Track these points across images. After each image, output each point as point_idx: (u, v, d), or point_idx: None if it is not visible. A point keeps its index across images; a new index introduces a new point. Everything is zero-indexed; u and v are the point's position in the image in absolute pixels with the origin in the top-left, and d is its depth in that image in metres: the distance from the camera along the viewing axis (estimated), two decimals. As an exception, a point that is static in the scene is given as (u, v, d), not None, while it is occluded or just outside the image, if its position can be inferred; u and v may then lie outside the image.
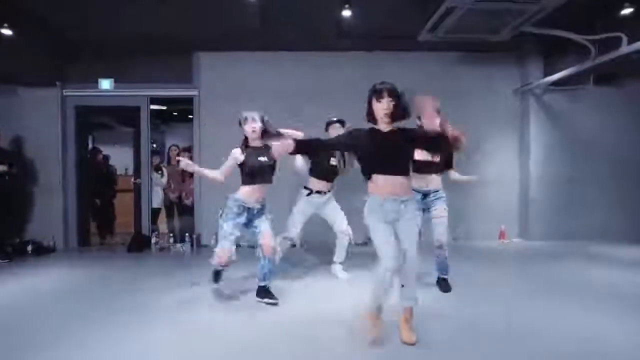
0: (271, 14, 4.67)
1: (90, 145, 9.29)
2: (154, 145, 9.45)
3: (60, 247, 5.77)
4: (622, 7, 3.93)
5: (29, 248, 5.42)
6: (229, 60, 6.00)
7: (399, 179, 2.49)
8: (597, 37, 4.40)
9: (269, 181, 3.30)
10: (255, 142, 3.31)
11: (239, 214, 3.23)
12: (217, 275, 3.53)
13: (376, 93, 2.50)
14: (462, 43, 5.38)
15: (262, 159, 3.24)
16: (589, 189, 6.09)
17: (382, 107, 2.48)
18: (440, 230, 3.42)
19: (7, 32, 4.54)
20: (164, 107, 8.43)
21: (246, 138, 3.32)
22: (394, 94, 2.50)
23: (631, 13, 3.96)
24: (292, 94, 5.97)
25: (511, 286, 3.76)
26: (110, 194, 6.61)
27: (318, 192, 3.90)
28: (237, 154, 3.25)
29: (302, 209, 3.91)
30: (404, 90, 2.56)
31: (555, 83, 5.69)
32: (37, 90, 5.69)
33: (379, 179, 2.48)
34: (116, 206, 6.76)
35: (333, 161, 3.90)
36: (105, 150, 8.26)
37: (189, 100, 6.14)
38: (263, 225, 3.28)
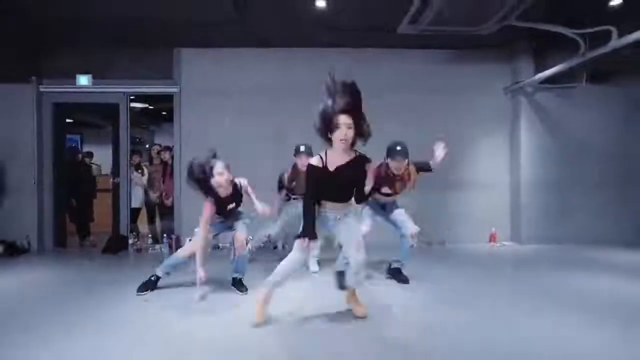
0: (250, 7, 4.50)
1: (78, 144, 9.33)
2: (147, 146, 9.34)
3: (34, 248, 5.60)
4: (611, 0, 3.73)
5: (0, 248, 5.25)
6: (210, 57, 5.84)
7: (341, 204, 2.66)
8: (586, 30, 4.20)
9: (235, 214, 3.49)
10: (223, 192, 3.32)
11: (214, 226, 3.48)
12: (148, 283, 3.49)
13: (334, 113, 2.45)
14: (450, 40, 5.19)
15: (230, 205, 3.39)
16: (582, 192, 5.87)
17: (340, 135, 2.44)
18: (409, 223, 3.61)
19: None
20: (150, 106, 8.28)
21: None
22: (355, 110, 2.44)
23: (620, 5, 3.76)
24: (273, 90, 5.82)
25: (496, 291, 3.55)
26: (89, 194, 6.42)
27: (295, 198, 4.18)
28: (211, 208, 3.29)
29: (283, 210, 4.27)
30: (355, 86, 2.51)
31: (547, 81, 5.49)
32: (11, 85, 5.53)
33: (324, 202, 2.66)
34: (101, 207, 6.58)
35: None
36: (93, 149, 8.18)
37: (172, 98, 5.98)
38: (239, 226, 3.45)
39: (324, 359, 2.26)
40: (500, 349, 2.34)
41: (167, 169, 6.09)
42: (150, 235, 5.87)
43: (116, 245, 5.54)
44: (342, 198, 2.62)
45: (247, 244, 3.45)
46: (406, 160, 3.48)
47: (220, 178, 3.23)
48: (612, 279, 3.91)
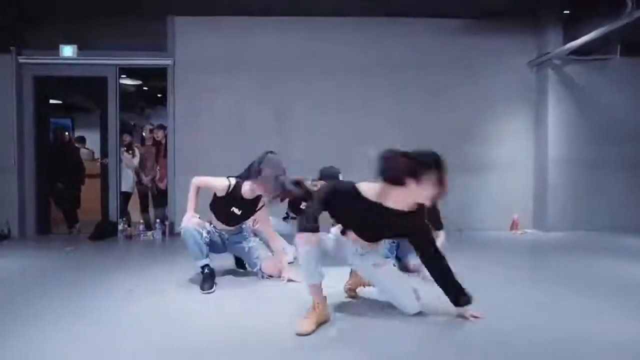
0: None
1: (71, 129, 8.85)
2: (142, 128, 8.84)
3: (15, 234, 5.12)
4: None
5: (-24, 234, 4.79)
6: (207, 26, 5.33)
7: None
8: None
9: (234, 225, 3.05)
10: (248, 194, 2.91)
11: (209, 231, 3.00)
12: (205, 280, 2.80)
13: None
14: (468, 6, 4.70)
15: (236, 210, 2.92)
16: (614, 174, 5.37)
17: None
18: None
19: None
20: (143, 86, 7.77)
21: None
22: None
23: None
24: (275, 66, 5.34)
25: (516, 286, 3.05)
26: (77, 178, 5.92)
27: (294, 218, 3.72)
28: (223, 186, 2.89)
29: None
30: None
31: (577, 52, 4.98)
32: (-14, 56, 5.04)
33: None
34: (91, 192, 6.09)
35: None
36: (84, 134, 7.70)
37: (163, 74, 5.47)
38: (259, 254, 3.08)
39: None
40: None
41: (160, 149, 5.60)
42: (142, 222, 5.38)
43: (104, 232, 5.07)
44: (377, 239, 2.30)
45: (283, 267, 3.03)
46: None
47: (254, 187, 2.86)
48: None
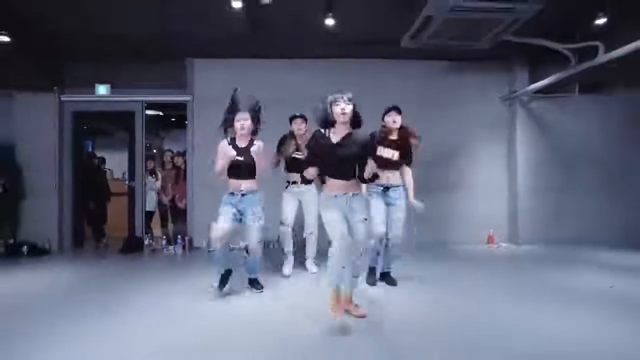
0: (260, 21, 4.82)
1: (89, 150, 9.63)
2: (155, 151, 9.63)
3: (54, 249, 5.89)
4: (597, 17, 4.04)
5: (24, 249, 5.55)
6: (222, 67, 6.14)
7: (346, 182, 2.83)
8: (576, 45, 4.51)
9: (248, 177, 3.48)
10: (241, 140, 3.52)
11: (225, 201, 3.48)
12: (222, 280, 3.51)
13: (335, 100, 2.79)
14: (450, 51, 5.52)
15: (240, 158, 3.43)
16: (576, 195, 6.17)
17: (338, 109, 2.74)
18: (397, 226, 3.62)
19: (3, 38, 4.70)
20: (161, 113, 8.58)
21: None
22: (351, 100, 2.79)
23: (605, 23, 4.07)
24: (284, 101, 6.08)
25: (492, 290, 3.81)
26: (104, 197, 6.72)
27: (294, 182, 4.26)
28: (224, 143, 3.50)
29: (284, 200, 4.32)
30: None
31: (541, 91, 5.79)
32: (34, 95, 5.85)
33: (331, 181, 2.86)
34: (114, 210, 6.88)
35: (297, 154, 4.23)
36: (104, 154, 8.47)
37: (182, 106, 6.29)
38: (251, 229, 3.45)
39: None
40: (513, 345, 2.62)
41: (180, 174, 6.39)
42: (164, 237, 6.15)
43: (132, 246, 5.83)
44: (345, 174, 2.81)
45: (261, 248, 3.53)
46: (400, 117, 3.66)
47: (243, 122, 3.44)
48: (609, 277, 4.18)
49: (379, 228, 3.53)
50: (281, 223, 4.29)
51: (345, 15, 4.47)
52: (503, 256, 5.52)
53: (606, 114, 6.22)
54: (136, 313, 3.13)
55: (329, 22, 4.27)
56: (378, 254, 3.72)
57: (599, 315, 3.01)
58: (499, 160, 6.43)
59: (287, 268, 4.31)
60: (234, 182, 3.50)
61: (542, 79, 5.54)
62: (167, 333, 2.72)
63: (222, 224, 3.35)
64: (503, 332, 2.70)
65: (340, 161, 2.79)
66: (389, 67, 6.17)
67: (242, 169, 3.45)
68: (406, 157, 3.70)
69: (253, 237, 3.46)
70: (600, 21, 4.04)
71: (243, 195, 3.47)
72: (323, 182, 2.89)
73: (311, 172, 2.86)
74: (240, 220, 3.48)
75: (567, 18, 4.50)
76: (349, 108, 2.76)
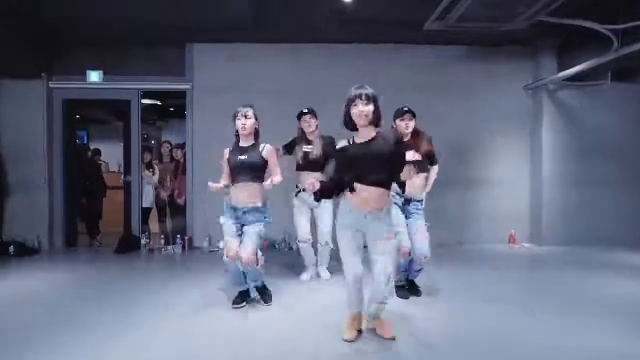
0: (266, 2, 4.36)
1: (84, 140, 9.20)
2: (153, 142, 9.22)
3: (45, 247, 5.49)
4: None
5: (11, 248, 5.14)
6: (224, 53, 5.69)
7: (375, 191, 2.39)
8: (620, 26, 4.05)
9: (251, 180, 3.04)
10: (243, 141, 3.14)
11: (229, 214, 3.12)
12: (239, 296, 3.17)
13: (351, 99, 2.40)
14: (470, 36, 5.05)
15: (242, 157, 3.05)
16: (605, 193, 5.72)
17: (357, 110, 2.37)
18: (423, 244, 3.19)
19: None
20: (159, 102, 8.12)
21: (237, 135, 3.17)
22: (371, 99, 2.39)
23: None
24: (288, 87, 5.66)
25: (515, 297, 3.42)
26: (99, 192, 6.30)
27: (304, 190, 3.76)
28: (225, 153, 3.16)
29: (296, 208, 3.93)
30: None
31: (570, 79, 5.34)
32: (20, 82, 5.40)
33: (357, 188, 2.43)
34: (109, 204, 6.48)
35: (307, 148, 3.89)
36: (99, 145, 8.05)
37: (181, 94, 5.85)
38: (247, 237, 3.03)
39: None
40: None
41: (179, 167, 5.97)
42: (162, 236, 5.75)
43: (128, 245, 5.44)
44: (375, 177, 2.37)
45: (257, 261, 3.04)
46: (413, 122, 3.25)
47: (244, 121, 3.05)
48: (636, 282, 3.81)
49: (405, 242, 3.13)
50: (299, 241, 3.93)
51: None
52: (527, 258, 5.12)
53: (640, 105, 5.76)
54: (131, 323, 2.79)
55: (348, -1, 3.78)
56: (405, 270, 3.33)
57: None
58: (521, 154, 5.98)
59: (307, 275, 4.00)
60: (236, 191, 3.06)
61: (570, 65, 5.08)
62: (167, 346, 2.34)
63: (233, 242, 3.02)
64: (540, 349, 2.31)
65: (370, 160, 2.37)
66: (401, 53, 5.70)
67: (245, 170, 3.03)
68: (426, 164, 3.34)
69: (247, 246, 2.97)
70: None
71: (245, 212, 3.04)
72: (352, 190, 2.42)
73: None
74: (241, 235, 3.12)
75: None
76: (368, 109, 2.36)
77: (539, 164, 5.80)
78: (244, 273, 3.12)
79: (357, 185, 2.37)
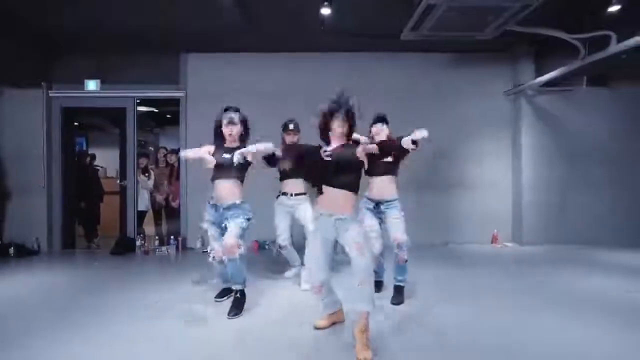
0: (256, 13, 4.60)
1: (83, 146, 9.43)
2: (151, 148, 9.42)
3: (44, 249, 5.70)
4: (610, 4, 3.81)
5: (11, 250, 5.35)
6: (216, 62, 5.94)
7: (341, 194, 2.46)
8: (586, 35, 4.29)
9: (232, 179, 3.12)
10: (230, 142, 3.24)
11: (211, 217, 3.21)
12: (223, 291, 3.40)
13: (330, 113, 2.51)
14: (451, 44, 5.29)
15: (226, 155, 3.09)
16: (583, 193, 5.94)
17: (337, 126, 2.50)
18: (398, 228, 3.21)
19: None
20: (155, 110, 8.36)
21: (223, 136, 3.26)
22: (349, 114, 2.50)
23: (619, 11, 3.84)
24: (279, 95, 5.91)
25: (499, 294, 3.62)
26: (97, 196, 6.52)
27: (284, 193, 3.93)
28: (210, 148, 3.21)
29: (277, 213, 3.98)
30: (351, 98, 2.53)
31: (547, 84, 5.56)
32: (21, 90, 5.65)
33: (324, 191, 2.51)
34: (107, 209, 6.68)
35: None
36: (98, 151, 8.26)
37: (176, 102, 6.08)
38: (229, 227, 3.06)
39: None
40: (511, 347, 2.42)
41: (173, 172, 6.19)
42: (157, 238, 5.96)
43: (124, 247, 5.64)
44: (341, 183, 2.46)
45: (237, 249, 3.01)
46: (385, 127, 3.30)
47: (231, 129, 3.10)
48: (615, 279, 3.98)
49: (375, 245, 3.22)
50: (280, 247, 4.01)
51: (342, 6, 4.24)
52: (510, 257, 5.31)
53: (615, 108, 5.98)
54: (125, 320, 2.96)
55: (325, 11, 4.03)
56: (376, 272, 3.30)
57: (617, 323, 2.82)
58: (502, 157, 6.20)
59: (291, 272, 4.17)
60: (217, 188, 3.14)
61: (548, 71, 5.31)
62: (159, 345, 2.53)
63: (216, 246, 3.18)
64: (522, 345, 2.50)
65: (336, 164, 2.44)
66: (386, 60, 5.95)
67: (228, 169, 3.09)
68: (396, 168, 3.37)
69: (228, 234, 2.99)
70: (613, 8, 3.80)
71: (225, 208, 3.11)
72: (320, 192, 2.55)
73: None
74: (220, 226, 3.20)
75: (577, 6, 4.27)
76: (346, 127, 2.51)
77: (519, 167, 6.02)
78: (227, 272, 3.24)
79: (324, 188, 2.48)
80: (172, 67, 5.99)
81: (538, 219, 5.91)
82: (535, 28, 4.34)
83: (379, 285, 3.56)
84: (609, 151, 5.95)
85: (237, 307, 3.07)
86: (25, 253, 5.44)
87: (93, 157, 7.51)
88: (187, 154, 3.26)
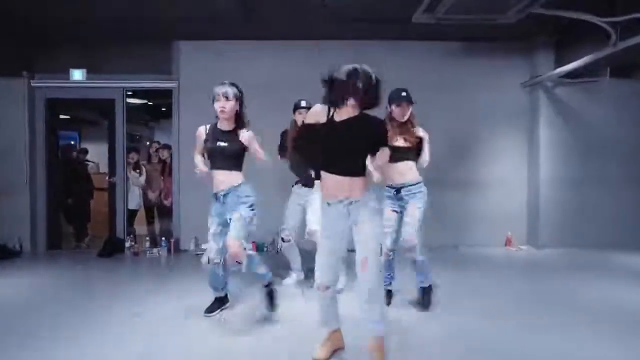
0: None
1: (76, 142, 9.08)
2: (148, 143, 9.06)
3: (27, 249, 5.34)
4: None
5: (-10, 251, 5.00)
6: (211, 50, 5.54)
7: (348, 180, 2.11)
8: (618, 19, 3.87)
9: (229, 168, 2.83)
10: (224, 124, 2.87)
11: (211, 211, 2.92)
12: (214, 304, 3.02)
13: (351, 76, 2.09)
14: (464, 31, 4.87)
15: (222, 144, 2.80)
16: (604, 191, 5.52)
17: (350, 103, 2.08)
18: (408, 230, 2.94)
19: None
20: (147, 101, 7.99)
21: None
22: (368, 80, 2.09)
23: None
24: (277, 85, 5.51)
25: (513, 303, 3.25)
26: (85, 193, 6.15)
27: (297, 182, 3.71)
28: (201, 131, 2.94)
29: (290, 200, 3.75)
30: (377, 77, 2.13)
31: (568, 75, 5.16)
32: (1, 80, 5.24)
33: (326, 178, 2.16)
34: (98, 206, 6.31)
35: None
36: (91, 146, 7.91)
37: (168, 93, 5.69)
38: (230, 225, 2.76)
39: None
40: None
41: (165, 168, 5.82)
42: (148, 238, 5.59)
43: (112, 248, 5.28)
44: (348, 167, 2.12)
45: (242, 254, 2.74)
46: (410, 108, 3.04)
47: (224, 104, 2.76)
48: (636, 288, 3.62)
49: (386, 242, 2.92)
50: (282, 239, 3.72)
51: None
52: (525, 262, 4.94)
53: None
54: (107, 329, 2.67)
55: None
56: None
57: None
58: (518, 153, 5.79)
59: (291, 279, 3.80)
60: (215, 177, 2.86)
61: (568, 62, 4.89)
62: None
63: (213, 245, 2.85)
64: None
65: (341, 146, 2.10)
66: (393, 49, 5.50)
67: (224, 157, 2.82)
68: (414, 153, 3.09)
69: (230, 237, 2.71)
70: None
71: (225, 195, 2.83)
72: (317, 177, 2.23)
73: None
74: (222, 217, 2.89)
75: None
76: (359, 97, 2.08)
77: (536, 164, 5.61)
78: (222, 277, 2.96)
79: (323, 175, 2.15)
80: (164, 57, 5.59)
81: (555, 219, 5.51)
82: (561, 11, 3.92)
83: (388, 296, 3.20)
84: (633, 147, 5.54)
85: (272, 301, 2.92)
86: (6, 254, 5.07)
87: (85, 151, 7.16)
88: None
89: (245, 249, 2.79)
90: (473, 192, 5.71)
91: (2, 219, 5.26)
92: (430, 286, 3.15)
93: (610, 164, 5.53)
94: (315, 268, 2.22)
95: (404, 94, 3.04)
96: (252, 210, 2.82)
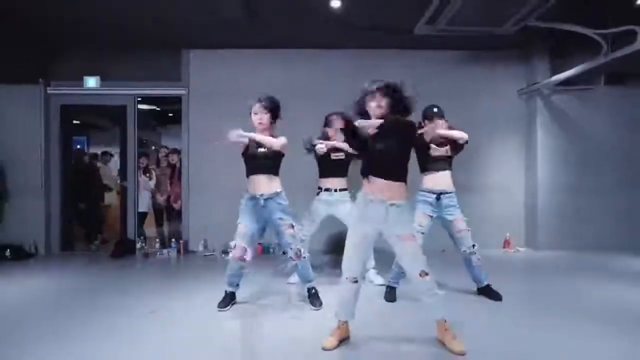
0: (260, 7, 4.41)
1: (85, 147, 9.28)
2: (154, 148, 9.25)
3: (41, 251, 5.52)
4: (637, -2, 3.60)
5: (7, 252, 5.18)
6: (219, 58, 5.75)
7: (390, 183, 2.36)
8: (609, 31, 4.07)
9: (268, 172, 3.13)
10: (261, 134, 3.15)
11: (246, 205, 3.15)
12: (226, 299, 3.19)
13: (368, 92, 2.40)
14: (463, 40, 5.07)
15: (262, 149, 3.10)
16: (599, 196, 5.70)
17: (373, 102, 2.39)
18: (466, 243, 3.39)
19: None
20: (157, 108, 8.19)
21: None
22: (388, 91, 2.41)
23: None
24: (283, 93, 5.65)
25: (513, 303, 3.41)
26: (97, 196, 6.35)
27: (327, 189, 3.79)
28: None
29: (313, 208, 3.84)
30: (402, 84, 2.48)
31: (563, 83, 5.35)
32: (18, 87, 5.46)
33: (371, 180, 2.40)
34: (114, 210, 6.51)
35: (335, 155, 3.78)
36: (98, 152, 8.09)
37: (178, 100, 5.90)
38: (283, 240, 3.17)
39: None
40: None
41: (175, 172, 6.01)
42: (157, 240, 5.78)
43: (124, 250, 5.46)
44: (390, 172, 2.36)
45: (300, 254, 3.17)
46: (442, 121, 3.38)
47: (254, 117, 3.13)
48: (633, 288, 3.76)
49: None
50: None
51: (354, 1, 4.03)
52: (524, 263, 5.10)
53: (634, 107, 5.73)
54: (125, 325, 2.78)
55: (335, 3, 3.82)
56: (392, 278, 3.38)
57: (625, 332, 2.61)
58: (516, 158, 5.98)
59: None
60: (255, 182, 3.13)
61: (564, 70, 5.09)
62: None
63: (241, 243, 3.07)
64: None
65: (379, 152, 2.34)
66: (394, 58, 5.70)
67: (263, 162, 3.12)
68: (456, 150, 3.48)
69: (290, 246, 3.13)
70: (641, 2, 3.59)
71: (266, 199, 3.10)
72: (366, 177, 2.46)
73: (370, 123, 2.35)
74: (264, 229, 3.24)
75: (598, 1, 4.06)
76: (384, 102, 2.39)
77: (534, 168, 5.79)
78: (242, 275, 3.18)
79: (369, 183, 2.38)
80: (174, 64, 5.80)
81: (553, 222, 5.68)
82: (556, 24, 4.12)
83: (392, 293, 3.37)
84: (628, 153, 5.72)
85: (316, 300, 3.18)
86: (22, 255, 5.27)
87: (94, 156, 7.35)
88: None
89: (301, 252, 3.17)
90: (472, 196, 5.86)
91: (18, 222, 5.46)
92: (487, 285, 3.47)
93: (605, 168, 5.72)
94: (343, 260, 2.41)
95: (435, 109, 3.35)
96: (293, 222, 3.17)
